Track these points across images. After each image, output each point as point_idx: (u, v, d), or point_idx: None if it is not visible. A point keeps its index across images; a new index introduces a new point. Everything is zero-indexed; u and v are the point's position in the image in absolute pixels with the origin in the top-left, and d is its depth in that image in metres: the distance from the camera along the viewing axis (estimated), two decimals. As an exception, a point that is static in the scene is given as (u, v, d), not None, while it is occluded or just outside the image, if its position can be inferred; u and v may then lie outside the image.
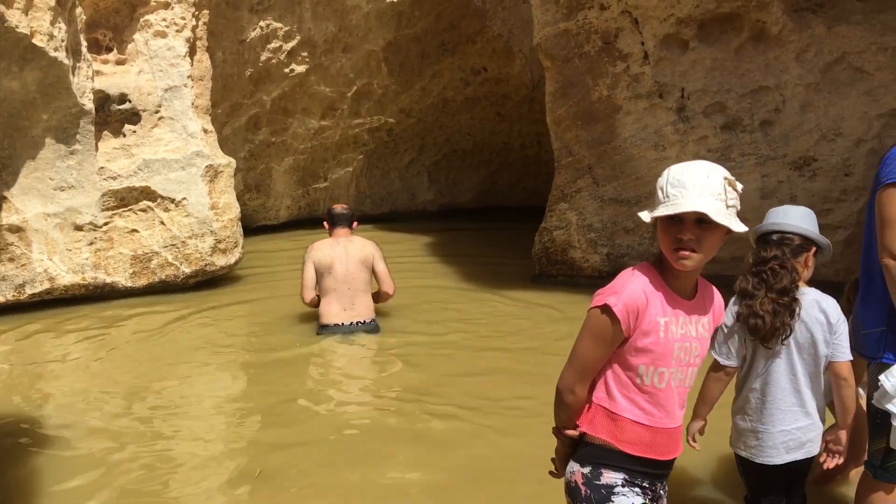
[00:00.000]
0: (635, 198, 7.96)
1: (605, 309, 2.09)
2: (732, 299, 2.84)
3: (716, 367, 2.89)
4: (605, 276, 8.04)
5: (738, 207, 2.07)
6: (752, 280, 2.79)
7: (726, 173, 2.07)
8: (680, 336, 2.14)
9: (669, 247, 2.07)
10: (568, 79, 8.04)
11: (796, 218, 2.89)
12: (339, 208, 6.90)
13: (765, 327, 2.74)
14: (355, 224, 6.90)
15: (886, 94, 7.05)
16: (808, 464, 2.91)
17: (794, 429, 2.82)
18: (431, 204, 14.01)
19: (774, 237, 2.86)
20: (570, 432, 2.22)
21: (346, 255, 6.43)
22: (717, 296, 2.31)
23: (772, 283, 2.76)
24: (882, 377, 2.67)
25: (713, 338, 2.64)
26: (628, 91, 7.83)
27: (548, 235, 8.42)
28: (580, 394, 2.18)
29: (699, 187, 2.01)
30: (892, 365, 2.70)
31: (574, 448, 2.23)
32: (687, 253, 2.04)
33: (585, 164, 8.18)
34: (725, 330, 2.84)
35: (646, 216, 2.11)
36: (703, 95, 7.61)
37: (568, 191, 8.31)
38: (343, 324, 6.33)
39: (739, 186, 2.08)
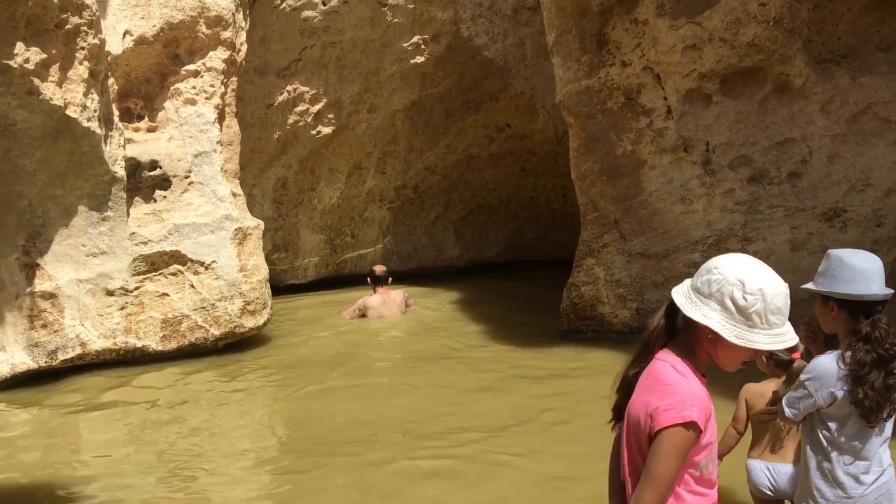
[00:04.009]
0: (663, 252, 7.91)
1: (691, 425, 2.03)
2: (830, 360, 2.79)
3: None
4: (635, 332, 7.95)
5: None
6: (872, 357, 2.70)
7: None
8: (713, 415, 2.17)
9: (738, 362, 2.11)
10: (591, 135, 8.08)
11: (882, 278, 2.79)
12: (381, 271, 9.84)
13: (876, 409, 2.70)
14: (390, 280, 9.85)
15: (915, 144, 7.01)
16: None
17: (885, 482, 2.80)
18: (458, 259, 14.00)
19: (879, 307, 2.77)
20: None
21: (390, 305, 9.59)
22: None
23: (892, 364, 2.70)
24: None
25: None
26: (653, 146, 7.84)
27: (576, 291, 8.37)
28: None
29: (786, 311, 2.07)
30: None
31: None
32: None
33: (612, 219, 8.16)
34: (804, 392, 2.83)
35: (731, 335, 2.04)
36: (729, 148, 7.60)
37: (595, 246, 8.28)
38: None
39: None
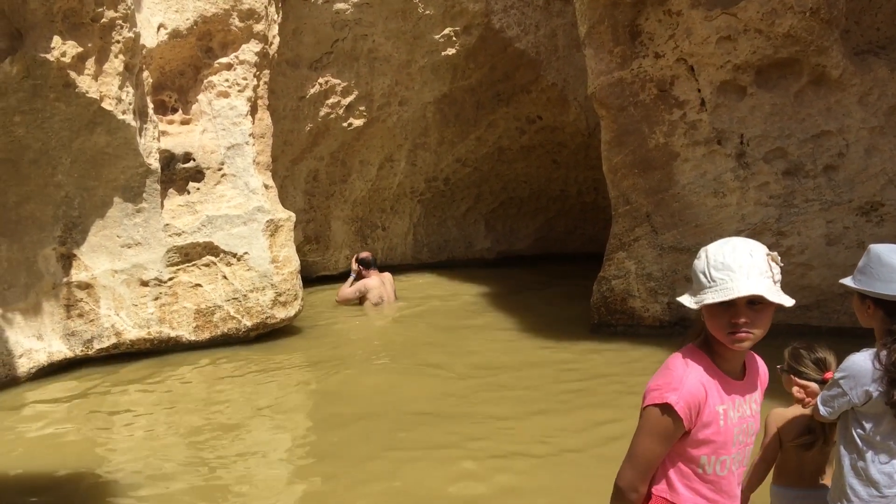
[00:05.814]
0: (695, 246, 7.81)
1: (666, 408, 2.03)
2: (865, 359, 2.75)
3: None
4: (665, 326, 7.91)
5: (780, 280, 2.04)
6: None
7: (766, 248, 2.04)
8: (738, 420, 2.10)
9: (723, 331, 2.03)
10: (623, 127, 8.02)
11: None
12: (369, 257, 10.46)
13: None
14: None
15: (956, 137, 6.86)
16: None
17: None
18: (489, 252, 13.98)
19: None
20: None
21: (388, 287, 10.22)
22: (762, 364, 2.26)
23: None
24: None
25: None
26: (686, 138, 7.76)
27: (606, 284, 8.33)
28: (643, 491, 2.13)
29: (746, 268, 1.98)
30: None
31: None
32: (744, 335, 2.01)
33: (643, 213, 8.10)
34: (838, 390, 2.78)
35: (689, 302, 2.07)
36: (763, 141, 7.50)
37: (626, 239, 8.23)
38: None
39: (780, 260, 2.05)
